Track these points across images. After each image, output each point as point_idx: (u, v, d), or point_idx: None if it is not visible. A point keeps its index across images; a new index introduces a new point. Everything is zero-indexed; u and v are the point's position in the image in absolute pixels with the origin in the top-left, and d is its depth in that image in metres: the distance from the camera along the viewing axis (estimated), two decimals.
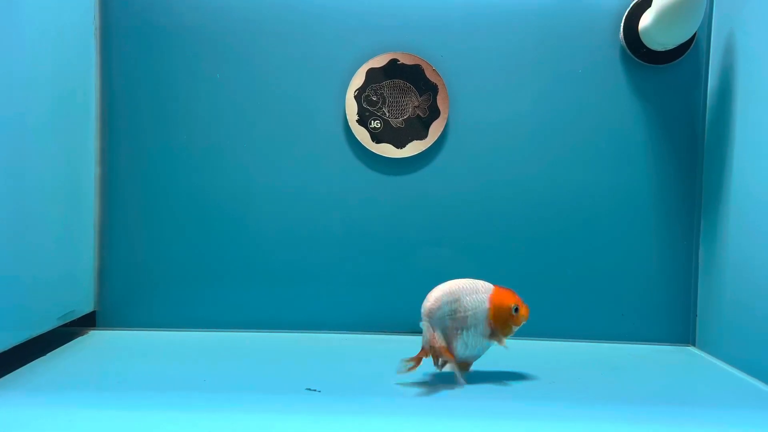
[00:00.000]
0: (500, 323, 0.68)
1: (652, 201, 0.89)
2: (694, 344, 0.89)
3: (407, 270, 0.90)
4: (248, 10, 0.89)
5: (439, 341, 0.66)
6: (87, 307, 0.87)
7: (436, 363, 0.68)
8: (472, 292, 0.68)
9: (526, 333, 0.89)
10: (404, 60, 0.89)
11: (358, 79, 0.89)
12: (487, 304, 0.68)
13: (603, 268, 0.90)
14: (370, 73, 0.89)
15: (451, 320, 0.67)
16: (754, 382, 0.73)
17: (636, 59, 0.88)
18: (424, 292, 0.89)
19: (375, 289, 0.90)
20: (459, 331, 0.67)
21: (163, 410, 0.58)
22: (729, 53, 0.83)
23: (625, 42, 0.88)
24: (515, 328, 0.70)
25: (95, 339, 0.85)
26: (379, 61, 0.89)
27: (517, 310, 0.69)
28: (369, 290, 0.90)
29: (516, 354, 0.83)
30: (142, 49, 0.89)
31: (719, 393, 0.69)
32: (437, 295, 0.67)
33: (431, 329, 0.66)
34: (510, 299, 0.69)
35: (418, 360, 0.67)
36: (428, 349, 0.67)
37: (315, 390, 0.64)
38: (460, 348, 0.68)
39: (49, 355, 0.75)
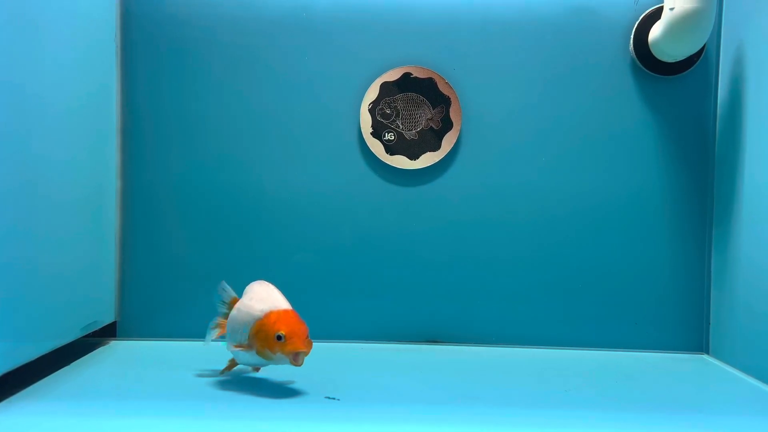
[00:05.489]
0: (260, 341, 0.65)
1: (664, 210, 0.90)
2: (707, 352, 0.90)
3: (420, 280, 0.91)
4: (265, 25, 0.91)
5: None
6: (108, 318, 0.89)
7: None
8: (260, 299, 0.68)
9: (541, 342, 0.91)
10: (417, 73, 0.90)
11: (372, 93, 0.90)
12: (259, 315, 0.66)
13: (616, 277, 0.90)
14: (384, 86, 0.90)
15: (234, 309, 0.70)
16: (767, 389, 0.73)
17: (646, 70, 0.89)
18: (437, 302, 0.91)
19: (388, 299, 0.91)
20: (232, 323, 0.69)
21: (183, 419, 0.59)
22: (738, 64, 0.84)
23: (636, 53, 0.89)
24: (272, 356, 0.64)
25: (116, 349, 0.86)
26: (392, 75, 0.90)
27: (280, 338, 0.63)
28: (382, 300, 0.91)
29: (531, 362, 0.84)
30: (161, 65, 0.91)
31: (733, 401, 0.70)
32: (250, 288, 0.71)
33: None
34: (281, 326, 0.64)
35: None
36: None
37: (334, 398, 0.65)
38: (228, 336, 0.70)
39: (73, 364, 0.77)
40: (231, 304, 0.72)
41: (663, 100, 0.90)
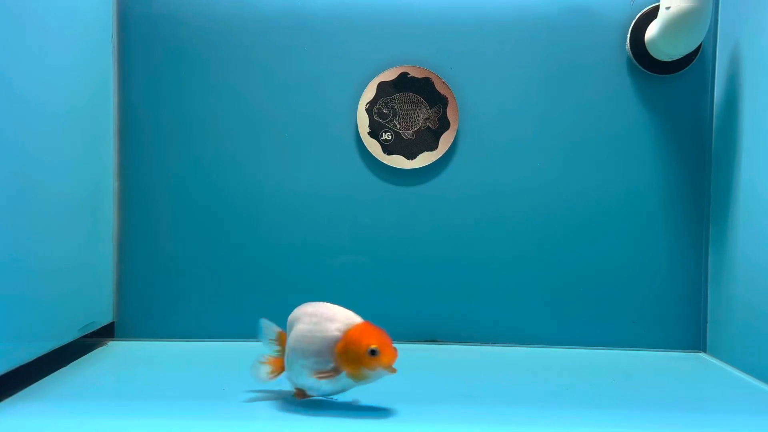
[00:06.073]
0: (350, 362, 0.59)
1: (661, 208, 0.90)
2: (704, 350, 0.90)
3: (418, 280, 0.91)
4: (262, 25, 0.91)
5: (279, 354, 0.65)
6: (106, 319, 0.89)
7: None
8: (327, 319, 0.61)
9: (538, 341, 0.91)
10: (414, 73, 0.90)
11: (369, 93, 0.90)
12: (338, 335, 0.60)
13: (613, 275, 0.90)
14: (381, 86, 0.90)
15: (294, 339, 0.62)
16: (765, 388, 0.73)
17: (643, 69, 0.89)
18: (435, 302, 0.91)
19: (386, 298, 0.91)
20: (299, 354, 0.61)
21: (182, 419, 0.59)
22: (735, 62, 0.84)
23: (632, 53, 0.89)
24: (369, 374, 0.59)
25: (114, 350, 0.86)
26: (389, 75, 0.90)
27: (374, 352, 0.58)
28: (380, 300, 0.91)
29: (528, 361, 0.84)
30: (159, 65, 0.91)
31: (731, 399, 0.70)
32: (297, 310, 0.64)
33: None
34: (370, 339, 0.58)
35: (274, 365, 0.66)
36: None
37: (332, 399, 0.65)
38: (293, 372, 0.63)
39: (71, 365, 0.77)
40: (280, 339, 0.66)
41: (660, 98, 0.90)
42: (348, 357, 0.59)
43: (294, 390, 0.64)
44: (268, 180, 0.91)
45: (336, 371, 0.59)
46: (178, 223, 0.91)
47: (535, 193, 0.91)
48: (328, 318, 0.61)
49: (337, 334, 0.60)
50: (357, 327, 0.60)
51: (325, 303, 0.64)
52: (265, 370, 0.65)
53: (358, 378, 0.59)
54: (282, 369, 0.65)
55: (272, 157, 0.91)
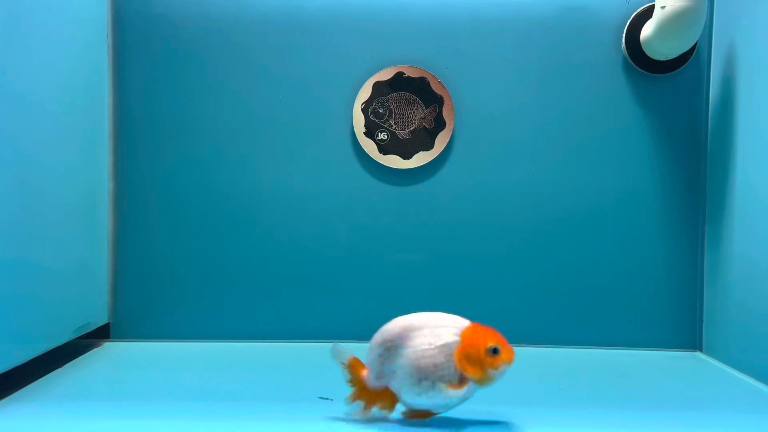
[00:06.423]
0: (473, 365, 0.56)
1: (657, 208, 0.90)
2: (701, 350, 0.90)
3: (414, 279, 0.91)
4: (258, 25, 0.91)
5: (374, 382, 0.59)
6: (101, 319, 0.88)
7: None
8: (439, 327, 0.57)
9: (534, 340, 0.91)
10: (410, 73, 0.90)
11: (364, 92, 0.90)
12: (457, 340, 0.57)
13: (610, 275, 0.91)
14: (377, 86, 0.90)
15: (415, 359, 0.57)
16: (761, 387, 0.73)
17: (639, 69, 0.89)
18: (431, 302, 0.91)
19: (382, 298, 0.91)
20: (428, 372, 0.56)
21: (177, 420, 0.59)
22: (730, 62, 0.84)
23: (628, 52, 0.89)
24: (495, 375, 0.56)
25: (110, 350, 0.86)
26: (385, 75, 0.90)
27: (496, 351, 0.56)
28: (376, 299, 0.91)
29: (525, 361, 0.84)
30: (154, 65, 0.91)
31: (727, 398, 0.70)
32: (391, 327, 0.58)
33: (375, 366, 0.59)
34: (488, 338, 0.56)
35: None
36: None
37: (327, 399, 0.65)
38: (423, 396, 0.57)
39: (66, 366, 0.77)
40: (352, 366, 0.60)
41: (655, 98, 0.90)
42: (470, 360, 0.55)
43: (406, 412, 0.59)
44: (264, 180, 0.91)
45: (464, 378, 0.56)
46: (174, 224, 0.91)
47: (530, 193, 0.91)
48: (440, 326, 0.57)
49: (456, 338, 0.56)
50: (469, 329, 0.57)
51: (416, 314, 0.59)
52: (369, 410, 0.59)
53: (484, 381, 0.56)
54: (380, 399, 0.59)
55: (268, 157, 0.91)
